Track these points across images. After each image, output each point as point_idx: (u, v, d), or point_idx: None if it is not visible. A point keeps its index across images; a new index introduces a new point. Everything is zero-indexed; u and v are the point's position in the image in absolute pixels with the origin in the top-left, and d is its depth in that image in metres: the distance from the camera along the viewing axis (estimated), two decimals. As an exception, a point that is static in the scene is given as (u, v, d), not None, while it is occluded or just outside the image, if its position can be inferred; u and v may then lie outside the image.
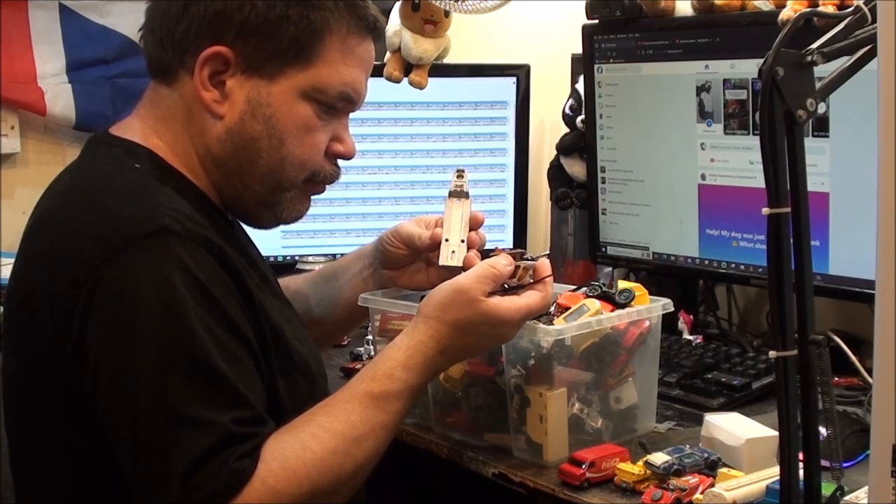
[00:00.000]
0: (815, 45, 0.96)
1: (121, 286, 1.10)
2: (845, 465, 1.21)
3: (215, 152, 1.25)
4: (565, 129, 2.09)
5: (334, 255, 2.01)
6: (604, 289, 1.47)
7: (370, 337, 1.74)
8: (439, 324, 1.25)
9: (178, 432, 1.06)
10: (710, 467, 1.29)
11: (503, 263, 1.29)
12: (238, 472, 1.07)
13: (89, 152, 1.28)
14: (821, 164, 1.61)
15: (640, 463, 1.29)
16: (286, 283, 1.57)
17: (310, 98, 1.24)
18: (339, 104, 1.28)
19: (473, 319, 1.26)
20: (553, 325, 1.38)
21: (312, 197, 1.34)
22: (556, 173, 2.12)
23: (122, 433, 1.10)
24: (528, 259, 1.33)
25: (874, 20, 0.97)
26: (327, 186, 1.34)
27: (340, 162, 1.33)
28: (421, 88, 2.02)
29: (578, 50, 2.01)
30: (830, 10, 1.43)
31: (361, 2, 1.26)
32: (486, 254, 1.38)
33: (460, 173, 1.48)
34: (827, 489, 1.11)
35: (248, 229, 1.39)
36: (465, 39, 2.23)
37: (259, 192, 1.27)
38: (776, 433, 0.97)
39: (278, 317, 1.25)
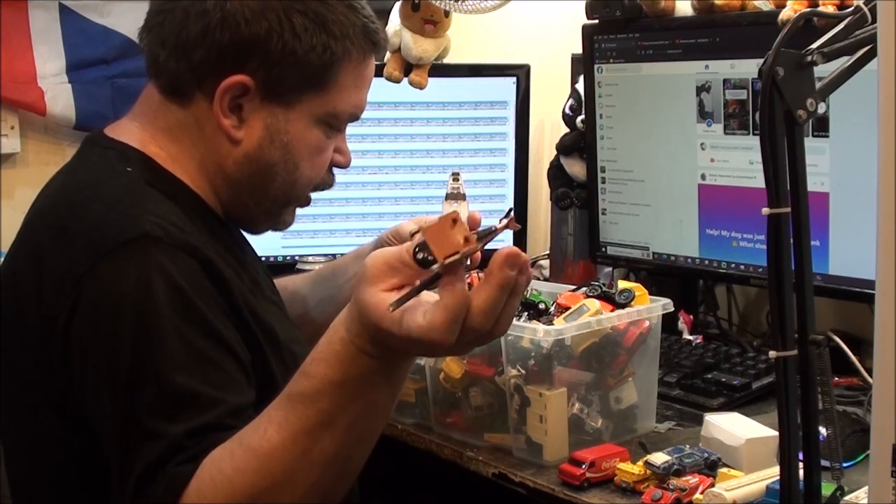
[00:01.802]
0: (815, 45, 0.96)
1: (101, 296, 1.10)
2: (845, 465, 1.21)
3: (230, 173, 1.25)
4: (565, 129, 2.09)
5: (334, 255, 2.00)
6: (604, 289, 1.47)
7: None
8: (350, 303, 1.00)
9: (138, 443, 1.06)
10: (710, 467, 1.29)
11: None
12: (174, 477, 1.03)
13: (83, 153, 1.29)
14: (821, 164, 1.61)
15: (640, 463, 1.29)
16: (284, 282, 1.57)
17: (322, 122, 1.26)
18: (345, 124, 1.31)
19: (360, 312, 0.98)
20: (553, 325, 1.38)
21: (312, 196, 1.36)
22: (556, 173, 2.12)
23: (108, 438, 1.11)
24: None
25: (874, 20, 0.97)
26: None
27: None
28: (421, 88, 2.02)
29: (578, 50, 2.01)
30: (830, 10, 1.43)
31: (371, 23, 1.27)
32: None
33: (456, 176, 1.48)
34: (827, 489, 1.11)
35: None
36: (465, 39, 2.23)
37: (268, 208, 1.31)
38: (776, 433, 0.97)
39: (270, 319, 1.25)
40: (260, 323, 1.21)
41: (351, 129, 1.35)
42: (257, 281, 1.33)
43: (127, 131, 1.27)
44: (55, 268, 1.14)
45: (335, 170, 1.35)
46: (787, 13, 1.54)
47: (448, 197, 1.47)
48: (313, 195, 1.36)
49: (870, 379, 1.44)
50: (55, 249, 1.15)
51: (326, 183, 1.34)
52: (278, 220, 1.34)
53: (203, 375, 1.09)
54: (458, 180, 1.48)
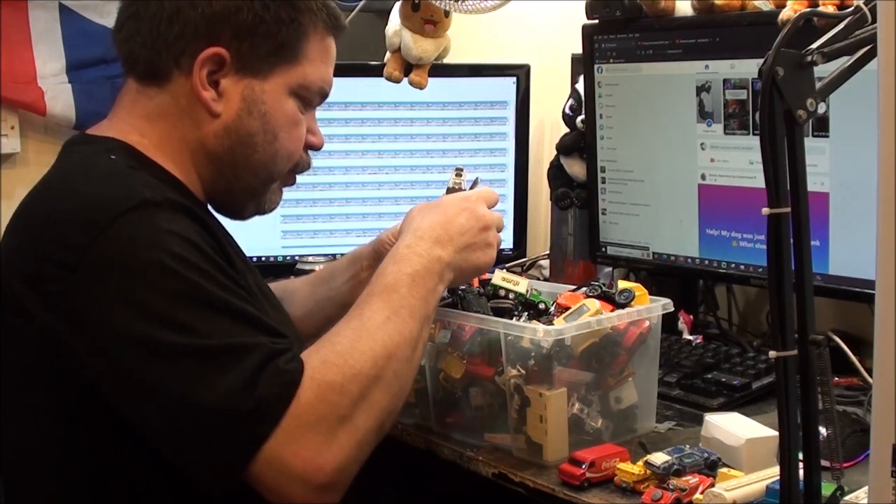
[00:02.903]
0: (815, 45, 0.96)
1: (116, 259, 1.11)
2: (845, 465, 1.21)
3: (211, 148, 1.28)
4: (565, 129, 2.09)
5: (334, 255, 2.00)
6: (604, 289, 1.47)
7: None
8: (411, 219, 1.38)
9: (223, 361, 1.10)
10: (710, 467, 1.29)
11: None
12: (291, 371, 1.12)
13: (65, 153, 1.30)
14: (821, 164, 1.61)
15: (640, 463, 1.29)
16: (283, 284, 1.58)
17: (295, 94, 1.31)
18: (316, 99, 1.35)
19: (450, 200, 1.40)
20: (553, 325, 1.38)
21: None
22: (556, 173, 2.12)
23: (154, 396, 1.11)
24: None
25: (874, 20, 0.97)
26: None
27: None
28: (421, 88, 2.02)
29: (578, 50, 2.01)
30: (830, 10, 1.43)
31: (332, 3, 1.34)
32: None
33: (459, 172, 1.50)
34: (827, 489, 1.11)
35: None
36: (465, 39, 2.23)
37: (251, 185, 1.33)
38: (776, 433, 0.97)
39: (261, 299, 1.29)
40: (251, 296, 1.23)
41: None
42: (248, 263, 1.36)
43: (107, 128, 1.29)
44: (50, 247, 1.14)
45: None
46: (787, 13, 1.54)
47: (449, 191, 1.49)
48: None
49: (870, 379, 1.44)
50: (46, 232, 1.16)
51: (305, 162, 1.38)
52: (262, 199, 1.36)
53: (247, 305, 1.15)
54: (460, 175, 1.49)
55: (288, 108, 1.30)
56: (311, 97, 1.33)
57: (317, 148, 1.39)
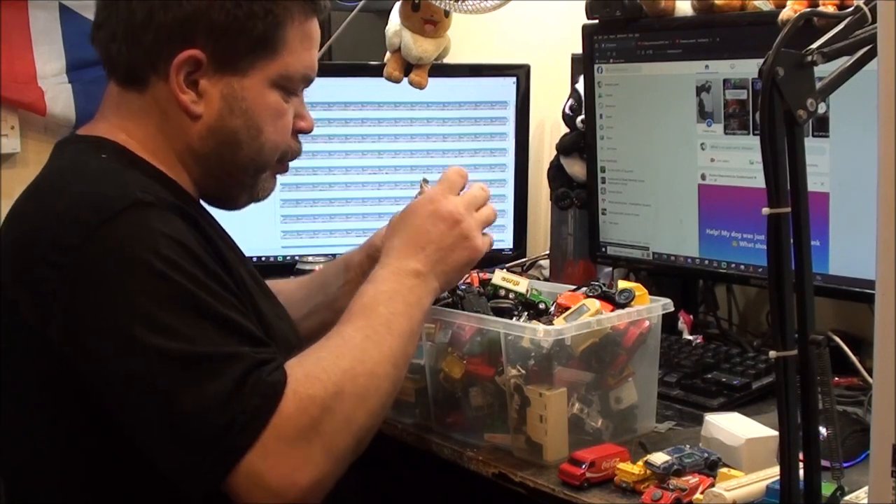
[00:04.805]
0: (815, 45, 0.96)
1: (106, 261, 1.11)
2: (845, 465, 1.21)
3: (197, 149, 1.28)
4: (565, 129, 2.09)
5: (334, 255, 2.00)
6: (604, 289, 1.47)
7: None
8: (385, 238, 1.37)
9: (206, 369, 1.09)
10: (710, 467, 1.29)
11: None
12: (273, 384, 1.12)
13: (56, 152, 1.31)
14: (821, 164, 1.61)
15: (640, 463, 1.29)
16: (278, 287, 1.57)
17: (277, 85, 1.29)
18: (301, 86, 1.34)
19: (414, 208, 1.37)
20: (553, 325, 1.38)
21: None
22: (556, 173, 2.12)
23: (137, 398, 1.11)
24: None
25: (874, 20, 0.97)
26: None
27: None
28: (421, 88, 2.02)
29: (578, 50, 2.01)
30: (830, 10, 1.43)
31: None
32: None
33: (427, 182, 1.48)
34: (827, 489, 1.11)
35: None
36: (465, 39, 2.23)
37: (241, 179, 1.33)
38: (776, 433, 0.97)
39: (255, 293, 1.29)
40: (245, 292, 1.24)
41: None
42: (243, 258, 1.36)
43: (95, 128, 1.30)
44: (41, 246, 1.14)
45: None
46: (787, 13, 1.54)
47: None
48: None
49: (870, 379, 1.44)
50: (38, 231, 1.16)
51: (294, 150, 1.37)
52: (255, 189, 1.36)
53: (233, 312, 1.15)
54: (426, 185, 1.48)
55: (270, 101, 1.29)
56: (293, 86, 1.32)
57: (307, 131, 1.37)
